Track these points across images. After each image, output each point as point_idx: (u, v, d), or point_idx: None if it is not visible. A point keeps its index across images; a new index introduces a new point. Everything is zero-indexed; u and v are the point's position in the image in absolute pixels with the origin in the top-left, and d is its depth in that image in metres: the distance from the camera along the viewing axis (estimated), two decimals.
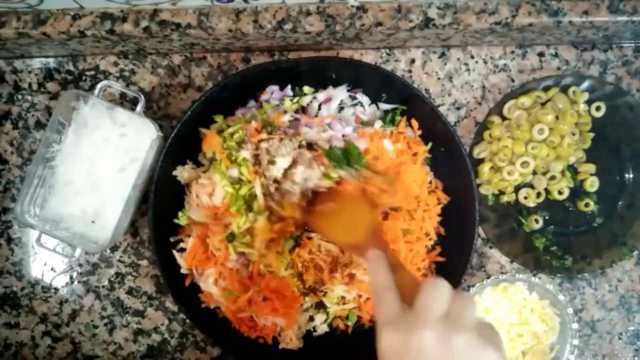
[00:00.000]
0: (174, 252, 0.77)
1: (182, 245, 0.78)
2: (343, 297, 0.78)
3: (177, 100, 0.85)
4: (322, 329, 0.80)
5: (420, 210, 0.79)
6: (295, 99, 0.80)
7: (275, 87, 0.81)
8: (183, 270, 0.77)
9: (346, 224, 0.68)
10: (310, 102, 0.81)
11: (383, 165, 0.77)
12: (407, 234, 0.78)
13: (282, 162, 0.72)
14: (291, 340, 0.78)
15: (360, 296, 0.78)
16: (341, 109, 0.82)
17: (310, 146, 0.75)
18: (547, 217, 0.85)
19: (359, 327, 0.81)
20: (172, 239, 0.78)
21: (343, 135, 0.78)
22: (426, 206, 0.80)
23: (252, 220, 0.72)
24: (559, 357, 0.81)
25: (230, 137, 0.74)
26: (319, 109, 0.81)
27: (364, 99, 0.82)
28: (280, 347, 0.78)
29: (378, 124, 0.80)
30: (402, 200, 0.77)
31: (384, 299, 0.51)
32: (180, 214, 0.77)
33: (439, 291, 0.48)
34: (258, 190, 0.72)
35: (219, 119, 0.77)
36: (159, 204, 0.76)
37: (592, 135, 0.83)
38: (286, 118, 0.76)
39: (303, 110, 0.81)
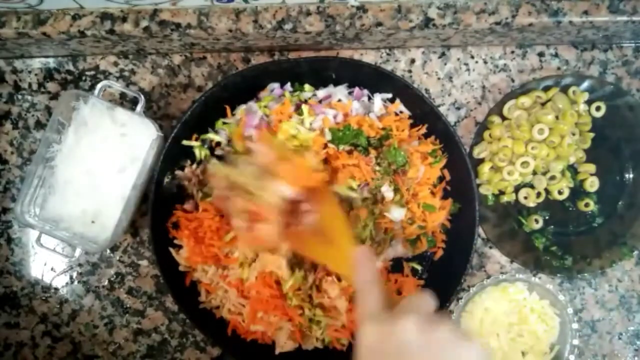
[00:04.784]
0: (171, 249, 0.77)
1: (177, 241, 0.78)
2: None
3: (177, 100, 0.85)
4: (314, 344, 0.79)
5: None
6: (296, 93, 0.80)
7: (276, 85, 0.81)
8: (182, 268, 0.78)
9: (332, 240, 0.65)
10: (310, 98, 0.81)
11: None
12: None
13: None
14: (285, 343, 0.77)
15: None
16: None
17: None
18: (547, 217, 0.85)
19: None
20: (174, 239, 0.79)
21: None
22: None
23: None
24: (559, 357, 0.81)
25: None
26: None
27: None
28: (277, 352, 0.78)
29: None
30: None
31: (368, 294, 0.51)
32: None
33: (423, 297, 0.50)
34: None
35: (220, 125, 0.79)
36: (159, 204, 0.76)
37: (592, 135, 0.83)
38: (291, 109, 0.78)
39: None
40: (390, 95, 0.81)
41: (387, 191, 0.76)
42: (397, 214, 0.76)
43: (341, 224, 0.66)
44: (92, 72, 0.85)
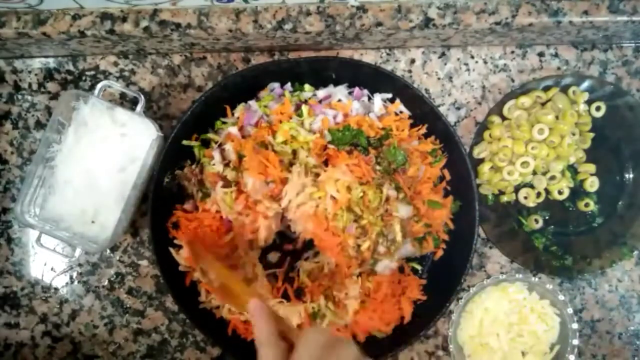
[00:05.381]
0: (171, 249, 0.77)
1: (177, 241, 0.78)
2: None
3: (177, 100, 0.85)
4: None
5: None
6: (296, 93, 0.80)
7: (276, 84, 0.81)
8: (182, 268, 0.78)
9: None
10: (310, 98, 0.81)
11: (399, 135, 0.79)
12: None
13: None
14: None
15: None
16: None
17: None
18: (547, 217, 0.85)
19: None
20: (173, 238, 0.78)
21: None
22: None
23: None
24: (559, 357, 0.81)
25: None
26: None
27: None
28: None
29: None
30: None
31: (264, 356, 0.54)
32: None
33: (311, 342, 0.53)
34: None
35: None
36: (159, 204, 0.76)
37: (592, 135, 0.83)
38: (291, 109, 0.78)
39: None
40: (390, 95, 0.81)
41: (390, 189, 0.76)
42: (403, 211, 0.76)
43: (230, 278, 0.67)
44: (92, 72, 0.85)
